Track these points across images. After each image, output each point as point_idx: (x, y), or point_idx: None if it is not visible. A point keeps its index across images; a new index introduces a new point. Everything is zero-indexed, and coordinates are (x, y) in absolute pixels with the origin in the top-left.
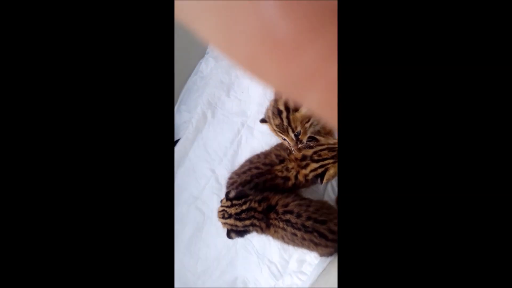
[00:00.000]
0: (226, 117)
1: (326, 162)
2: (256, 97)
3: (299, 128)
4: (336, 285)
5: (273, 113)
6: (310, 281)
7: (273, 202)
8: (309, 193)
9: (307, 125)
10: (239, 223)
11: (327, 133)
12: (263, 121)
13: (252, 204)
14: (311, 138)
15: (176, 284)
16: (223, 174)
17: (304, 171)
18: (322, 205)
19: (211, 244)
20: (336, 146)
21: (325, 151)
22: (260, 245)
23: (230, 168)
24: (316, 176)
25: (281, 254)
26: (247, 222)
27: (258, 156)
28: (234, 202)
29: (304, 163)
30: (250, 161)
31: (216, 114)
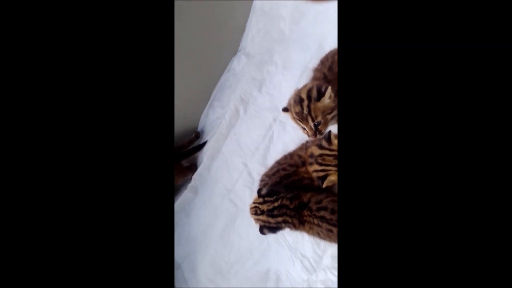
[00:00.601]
0: (258, 112)
1: (328, 168)
2: (288, 92)
3: (319, 118)
4: None
5: (294, 101)
6: None
7: (305, 199)
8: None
9: (329, 116)
10: (271, 220)
11: None
12: (285, 109)
13: (284, 202)
14: (327, 138)
15: (210, 271)
16: (255, 168)
17: (309, 168)
18: None
19: (243, 235)
20: None
21: (331, 158)
22: (293, 239)
23: (262, 162)
24: (318, 177)
25: (315, 249)
26: (280, 219)
27: (285, 157)
28: (266, 199)
29: (310, 160)
30: (278, 162)
31: (248, 110)
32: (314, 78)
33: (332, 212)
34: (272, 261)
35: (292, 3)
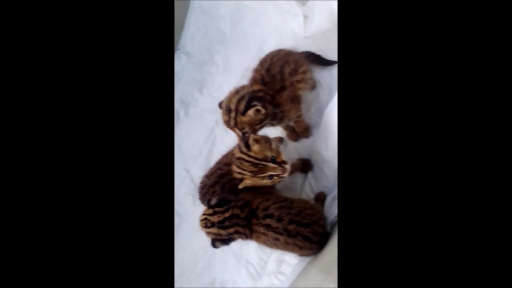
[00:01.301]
0: (199, 114)
1: (244, 172)
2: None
3: (246, 129)
4: (316, 285)
5: (224, 109)
6: (289, 281)
7: (254, 205)
8: (285, 190)
9: (258, 127)
10: (223, 232)
11: (303, 131)
12: (220, 104)
13: (235, 211)
14: (245, 144)
15: None
16: (198, 173)
17: (232, 167)
18: (305, 205)
19: (187, 246)
20: (261, 162)
21: (247, 164)
22: (238, 246)
23: (205, 167)
24: (238, 178)
25: (259, 254)
26: (231, 230)
27: (222, 156)
28: (216, 209)
29: (233, 159)
30: (217, 162)
31: (189, 112)
32: (253, 79)
33: (279, 220)
34: (217, 271)
35: (231, 2)
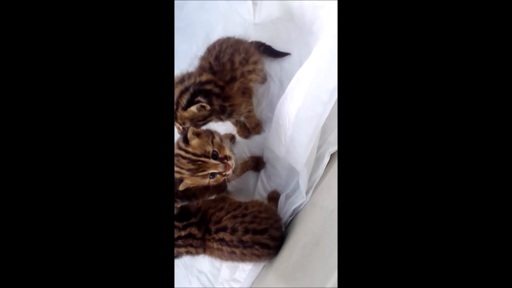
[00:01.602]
0: None
1: (182, 171)
2: None
3: (187, 124)
4: None
5: None
6: None
7: (207, 216)
8: (238, 191)
9: (200, 123)
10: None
11: (254, 127)
12: None
13: (192, 231)
14: (184, 138)
15: None
16: None
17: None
18: (259, 208)
19: None
20: (200, 158)
21: (185, 161)
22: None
23: None
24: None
25: (212, 262)
26: (182, 250)
27: None
28: (175, 223)
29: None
30: None
31: None
32: (200, 68)
33: (232, 232)
34: None
35: None
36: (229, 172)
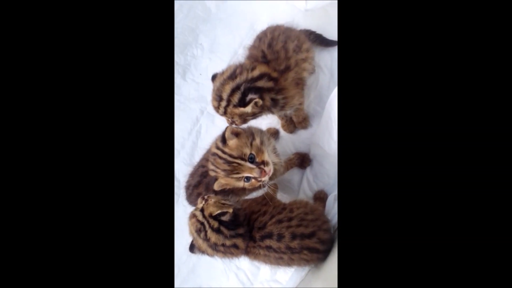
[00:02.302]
0: (182, 103)
1: (217, 170)
2: None
3: (237, 120)
4: None
5: (215, 94)
6: None
7: (250, 222)
8: (282, 188)
9: (249, 118)
10: (210, 251)
11: (301, 121)
12: (213, 77)
13: (237, 242)
14: (223, 139)
15: None
16: (181, 169)
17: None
18: (305, 209)
19: None
20: (235, 160)
21: (221, 161)
22: None
23: (189, 162)
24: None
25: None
26: (220, 255)
27: (207, 150)
28: (221, 229)
29: (209, 155)
30: (201, 158)
31: None
32: (252, 57)
33: (279, 238)
34: (203, 277)
35: None
36: (265, 178)
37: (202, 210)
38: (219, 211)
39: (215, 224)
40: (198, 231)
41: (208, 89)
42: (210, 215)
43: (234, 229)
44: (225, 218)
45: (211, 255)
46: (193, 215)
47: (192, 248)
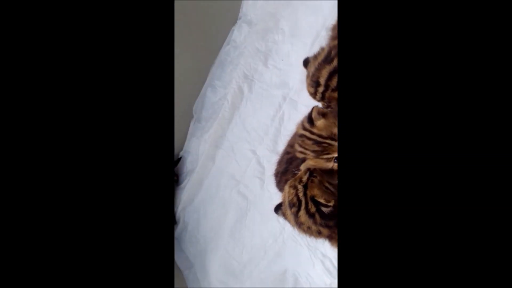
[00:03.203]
0: (265, 90)
1: (306, 151)
2: (299, 65)
3: (333, 105)
4: None
5: (311, 80)
6: None
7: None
8: None
9: None
10: (293, 223)
11: None
12: (305, 62)
13: (323, 230)
14: (309, 119)
15: (220, 272)
16: (266, 155)
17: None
18: None
19: (256, 232)
20: (325, 141)
21: (309, 142)
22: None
23: (272, 148)
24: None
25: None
26: (300, 231)
27: (290, 137)
28: (316, 215)
29: (296, 138)
30: (285, 144)
31: (253, 88)
32: (336, 38)
33: None
34: (289, 261)
35: None
36: None
37: (305, 186)
38: (322, 200)
39: (312, 209)
40: (291, 204)
41: (289, 75)
42: (312, 198)
43: (327, 220)
44: (325, 210)
45: (292, 226)
46: (294, 186)
47: (278, 209)
